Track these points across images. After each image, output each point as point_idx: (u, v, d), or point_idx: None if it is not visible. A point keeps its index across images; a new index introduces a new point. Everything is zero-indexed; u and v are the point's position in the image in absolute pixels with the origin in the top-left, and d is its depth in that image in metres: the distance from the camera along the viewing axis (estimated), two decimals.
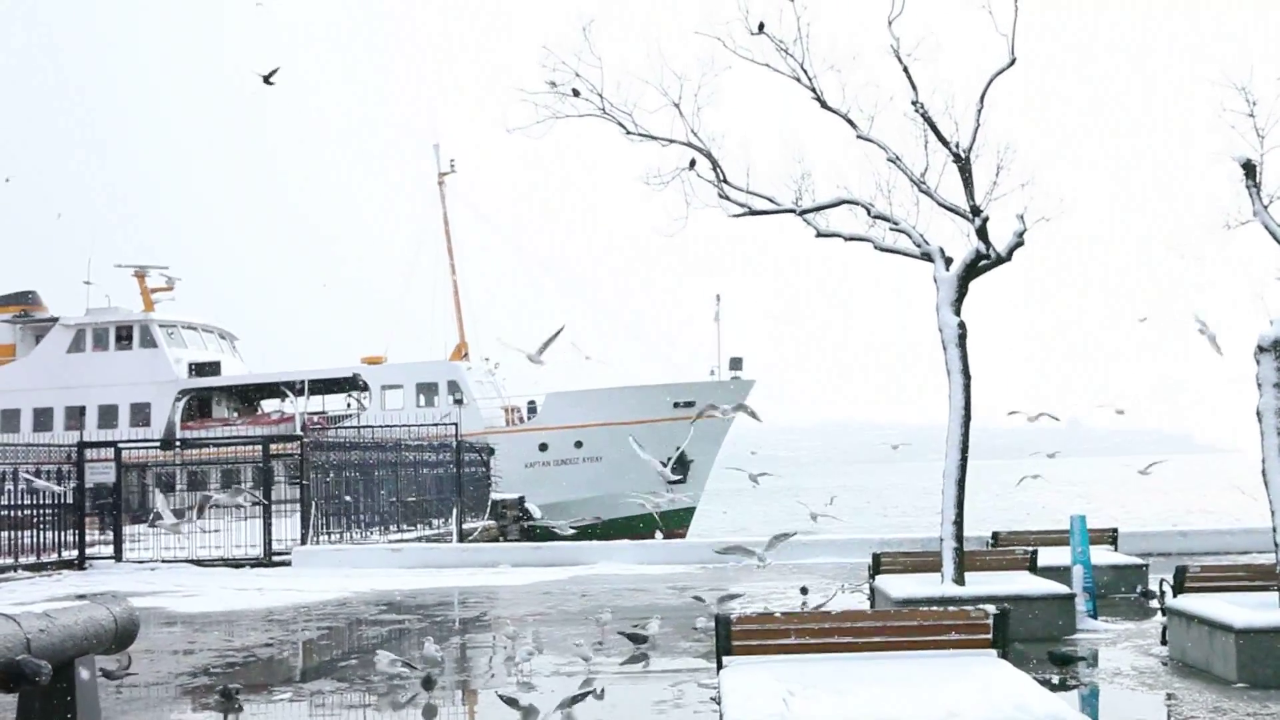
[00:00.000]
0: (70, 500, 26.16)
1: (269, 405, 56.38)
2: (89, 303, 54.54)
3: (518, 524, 39.11)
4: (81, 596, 7.64)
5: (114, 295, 55.76)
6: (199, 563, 25.12)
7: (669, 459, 45.22)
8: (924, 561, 13.96)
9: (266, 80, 14.78)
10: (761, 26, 12.99)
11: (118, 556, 25.92)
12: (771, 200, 13.64)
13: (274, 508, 25.80)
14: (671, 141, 13.67)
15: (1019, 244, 12.68)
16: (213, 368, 52.93)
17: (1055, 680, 10.19)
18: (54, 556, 25.44)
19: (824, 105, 13.17)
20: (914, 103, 12.84)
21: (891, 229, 13.27)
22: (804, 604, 15.17)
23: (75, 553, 25.77)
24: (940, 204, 13.00)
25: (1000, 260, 12.73)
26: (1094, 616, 13.27)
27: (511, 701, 9.20)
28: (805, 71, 13.08)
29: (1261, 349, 10.91)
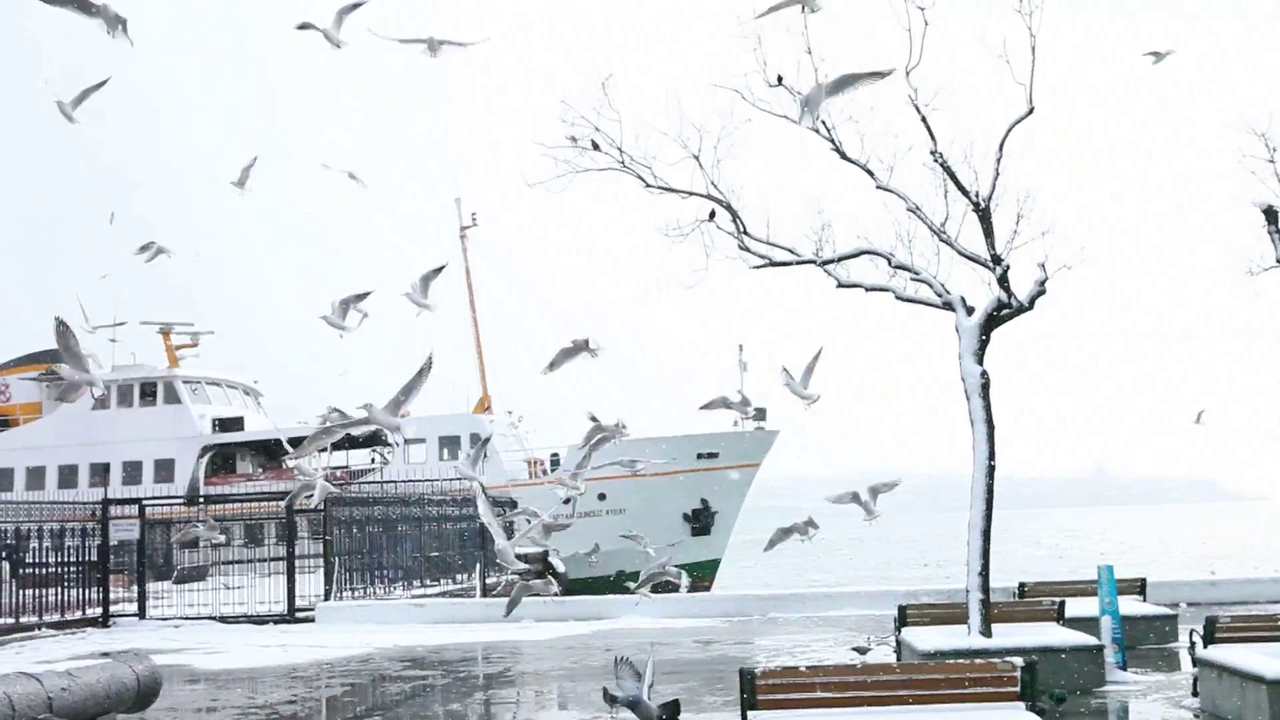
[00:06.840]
0: (94, 557, 26.19)
1: (292, 461, 56.37)
2: (115, 360, 54.84)
3: (542, 578, 38.90)
4: (105, 654, 7.61)
5: (139, 352, 56.09)
6: (223, 619, 25.08)
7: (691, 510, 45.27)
8: (950, 613, 13.81)
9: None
10: (780, 79, 13.04)
11: (141, 614, 25.90)
12: (792, 251, 13.64)
13: (297, 563, 25.78)
14: (691, 194, 13.70)
15: (1041, 292, 12.64)
16: (236, 423, 53.11)
17: None
18: (78, 614, 25.43)
19: (843, 156, 13.19)
20: (933, 152, 12.87)
21: (912, 279, 13.25)
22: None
23: (99, 610, 25.77)
24: (961, 253, 12.98)
25: (1022, 309, 12.69)
26: (1124, 668, 13.09)
27: None
28: (824, 122, 13.11)
29: None
